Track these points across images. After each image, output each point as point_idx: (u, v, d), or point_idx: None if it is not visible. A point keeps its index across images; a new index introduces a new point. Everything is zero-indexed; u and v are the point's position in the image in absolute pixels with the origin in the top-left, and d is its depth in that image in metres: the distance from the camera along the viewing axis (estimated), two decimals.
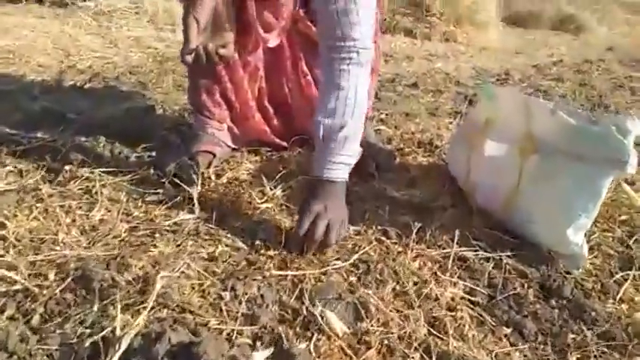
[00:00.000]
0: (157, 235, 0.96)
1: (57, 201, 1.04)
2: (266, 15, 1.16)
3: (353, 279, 0.89)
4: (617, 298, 0.91)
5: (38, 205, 1.02)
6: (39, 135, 1.34)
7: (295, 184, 1.20)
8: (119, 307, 0.73)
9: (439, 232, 1.04)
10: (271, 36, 1.18)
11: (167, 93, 1.88)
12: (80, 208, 1.04)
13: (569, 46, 4.38)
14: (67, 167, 1.15)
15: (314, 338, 0.73)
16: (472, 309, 0.86)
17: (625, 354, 0.79)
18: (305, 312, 0.78)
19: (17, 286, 0.79)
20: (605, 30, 5.41)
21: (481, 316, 0.85)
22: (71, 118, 1.49)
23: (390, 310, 0.81)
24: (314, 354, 0.71)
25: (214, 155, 1.28)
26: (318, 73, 1.29)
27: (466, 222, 1.09)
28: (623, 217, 1.15)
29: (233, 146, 1.36)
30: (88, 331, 0.70)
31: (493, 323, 0.83)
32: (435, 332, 0.79)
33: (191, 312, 0.75)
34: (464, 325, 0.80)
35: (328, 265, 0.91)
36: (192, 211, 1.04)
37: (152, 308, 0.74)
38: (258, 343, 0.71)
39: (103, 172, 1.16)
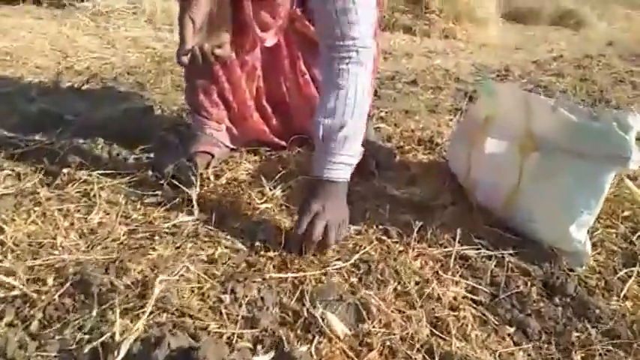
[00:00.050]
0: (156, 237, 0.96)
1: (55, 204, 1.04)
2: (263, 14, 1.15)
3: (354, 279, 0.88)
4: (622, 295, 0.90)
5: (36, 208, 1.01)
6: (36, 137, 1.33)
7: (295, 183, 1.19)
8: (118, 311, 0.72)
9: (440, 231, 1.03)
10: (268, 35, 1.18)
11: (165, 93, 1.87)
12: (78, 211, 1.03)
13: (569, 41, 4.36)
14: (64, 170, 1.15)
15: (315, 341, 0.72)
16: (475, 308, 0.85)
17: (630, 352, 0.78)
18: (306, 314, 0.78)
19: (16, 292, 0.78)
20: (605, 25, 5.38)
21: (484, 315, 0.84)
22: (69, 119, 1.48)
23: (392, 311, 0.80)
24: (315, 357, 0.70)
25: (213, 156, 1.27)
26: (317, 72, 1.28)
27: (467, 220, 1.08)
28: (626, 213, 1.14)
29: (232, 146, 1.35)
30: (87, 337, 0.69)
31: (496, 322, 0.82)
32: (437, 332, 0.78)
33: (190, 316, 0.74)
34: (466, 325, 0.80)
35: (329, 266, 0.90)
36: (191, 213, 1.04)
37: (151, 312, 0.73)
38: (259, 347, 0.71)
39: (101, 174, 1.15)
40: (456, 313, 0.82)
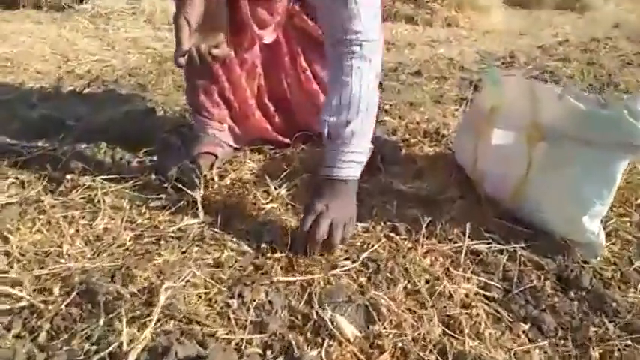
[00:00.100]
0: (162, 242, 0.95)
1: (60, 212, 1.03)
2: (260, 12, 1.13)
3: (363, 279, 0.86)
4: (639, 287, 0.88)
5: (41, 217, 1.01)
6: (39, 144, 1.32)
7: (300, 182, 1.17)
8: (125, 320, 0.71)
9: (449, 226, 1.01)
10: (266, 32, 1.16)
11: (167, 94, 1.86)
12: (83, 217, 1.02)
13: (575, 24, 4.28)
14: (68, 176, 1.14)
15: (325, 344, 0.71)
16: (487, 305, 0.83)
17: None
18: (315, 317, 0.76)
19: (23, 303, 0.77)
20: (610, 7, 5.28)
21: (497, 312, 0.82)
22: (71, 124, 1.47)
23: (403, 311, 0.79)
24: None
25: (216, 157, 1.25)
26: (318, 68, 1.26)
27: (476, 213, 1.06)
28: None
29: (235, 146, 1.34)
30: (94, 347, 0.69)
31: (510, 319, 0.81)
32: (449, 332, 0.76)
33: (198, 322, 0.73)
34: (480, 323, 0.78)
35: (337, 266, 0.88)
36: (196, 216, 1.03)
37: (158, 320, 0.72)
38: (268, 352, 0.69)
39: (104, 179, 1.14)
40: (468, 311, 0.80)
